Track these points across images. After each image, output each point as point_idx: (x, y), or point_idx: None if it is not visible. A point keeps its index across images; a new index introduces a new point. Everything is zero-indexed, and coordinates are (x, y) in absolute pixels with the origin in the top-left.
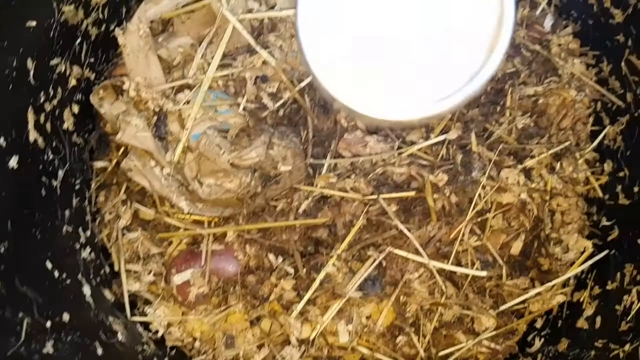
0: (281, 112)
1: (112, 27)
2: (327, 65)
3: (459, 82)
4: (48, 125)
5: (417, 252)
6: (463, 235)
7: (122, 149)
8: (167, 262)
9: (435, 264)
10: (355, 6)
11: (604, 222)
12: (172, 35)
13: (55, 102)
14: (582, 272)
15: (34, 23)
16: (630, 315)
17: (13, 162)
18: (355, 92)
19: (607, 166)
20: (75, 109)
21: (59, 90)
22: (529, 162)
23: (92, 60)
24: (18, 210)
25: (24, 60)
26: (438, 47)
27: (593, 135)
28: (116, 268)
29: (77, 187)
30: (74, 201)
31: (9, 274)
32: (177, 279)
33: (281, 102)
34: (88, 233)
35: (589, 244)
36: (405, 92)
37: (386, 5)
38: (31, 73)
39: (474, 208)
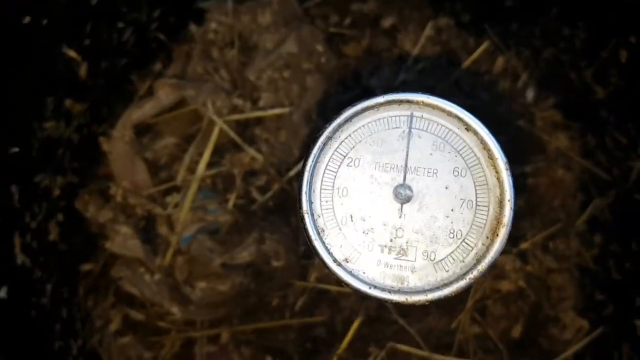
0: (270, 203)
1: (95, 129)
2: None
3: (464, 267)
4: (34, 243)
5: (418, 346)
6: (463, 324)
7: (110, 251)
8: None
9: (437, 357)
10: (365, 206)
11: (598, 296)
12: (157, 135)
13: (40, 217)
14: (581, 349)
15: (17, 149)
16: None
17: (2, 292)
18: (368, 278)
19: (597, 239)
20: (60, 217)
21: (44, 204)
22: (523, 245)
23: (75, 165)
24: (10, 343)
25: (7, 187)
26: (441, 236)
27: (583, 206)
28: None
29: (65, 296)
30: (63, 312)
31: None
32: None
33: (270, 193)
34: (79, 342)
35: (585, 323)
36: (416, 279)
37: (392, 202)
38: (15, 197)
39: (473, 296)
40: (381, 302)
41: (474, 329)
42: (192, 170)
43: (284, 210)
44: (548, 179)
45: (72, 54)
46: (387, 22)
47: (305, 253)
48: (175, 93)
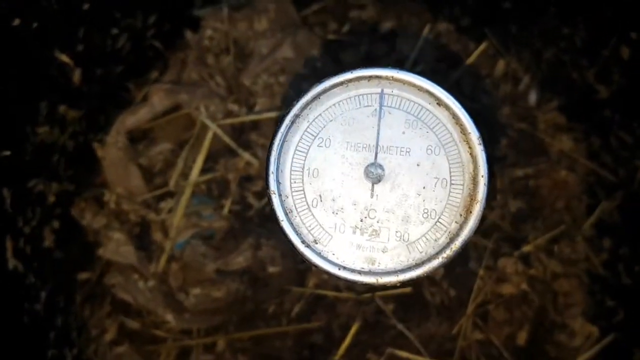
0: (267, 209)
1: (91, 137)
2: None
3: (438, 247)
4: (28, 249)
5: (418, 352)
6: (465, 329)
7: (105, 259)
8: None
9: None
10: (337, 185)
11: (608, 303)
12: (152, 141)
13: (34, 223)
14: (591, 357)
15: (8, 152)
16: None
17: None
18: (338, 260)
19: (606, 243)
20: (56, 224)
21: (38, 210)
22: (525, 248)
23: (70, 172)
24: (1, 350)
25: None
26: (413, 215)
27: (589, 209)
28: None
29: (61, 304)
30: (59, 320)
31: None
32: None
33: (267, 199)
34: (75, 351)
35: (594, 330)
36: (387, 259)
37: (363, 182)
38: (7, 201)
39: (474, 301)
40: (379, 308)
41: (476, 335)
42: (186, 175)
43: None
44: (551, 180)
45: (64, 58)
46: (385, 28)
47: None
48: (169, 98)
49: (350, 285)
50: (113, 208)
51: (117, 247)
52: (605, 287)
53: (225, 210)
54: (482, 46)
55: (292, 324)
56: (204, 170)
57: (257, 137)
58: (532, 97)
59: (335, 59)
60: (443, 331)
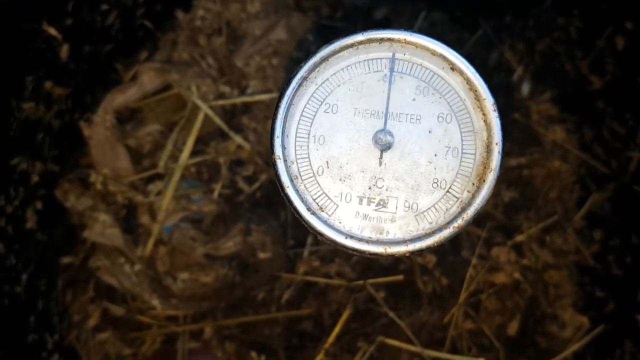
0: (258, 194)
1: (77, 117)
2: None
3: (449, 216)
4: (10, 228)
5: (409, 341)
6: (456, 319)
7: (90, 242)
8: None
9: (430, 353)
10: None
11: (598, 293)
12: (140, 122)
13: (17, 202)
14: (581, 348)
15: None
16: None
17: None
18: (344, 228)
19: (597, 234)
20: (39, 205)
21: (21, 189)
22: (518, 237)
23: (55, 152)
24: None
25: None
26: (423, 184)
27: (581, 201)
28: None
29: (42, 288)
30: (39, 304)
31: None
32: None
33: (257, 184)
34: (56, 337)
35: (585, 320)
36: (396, 228)
37: (372, 149)
38: None
39: (466, 290)
40: (371, 295)
41: (468, 324)
42: (175, 157)
43: (272, 203)
44: (544, 170)
45: (52, 31)
46: (379, 15)
47: (292, 245)
48: (159, 77)
49: (342, 272)
50: (99, 189)
51: (102, 229)
52: (596, 278)
53: (215, 194)
54: (476, 36)
55: (282, 311)
56: (194, 153)
57: (248, 120)
58: (526, 88)
59: (328, 42)
60: (434, 320)
